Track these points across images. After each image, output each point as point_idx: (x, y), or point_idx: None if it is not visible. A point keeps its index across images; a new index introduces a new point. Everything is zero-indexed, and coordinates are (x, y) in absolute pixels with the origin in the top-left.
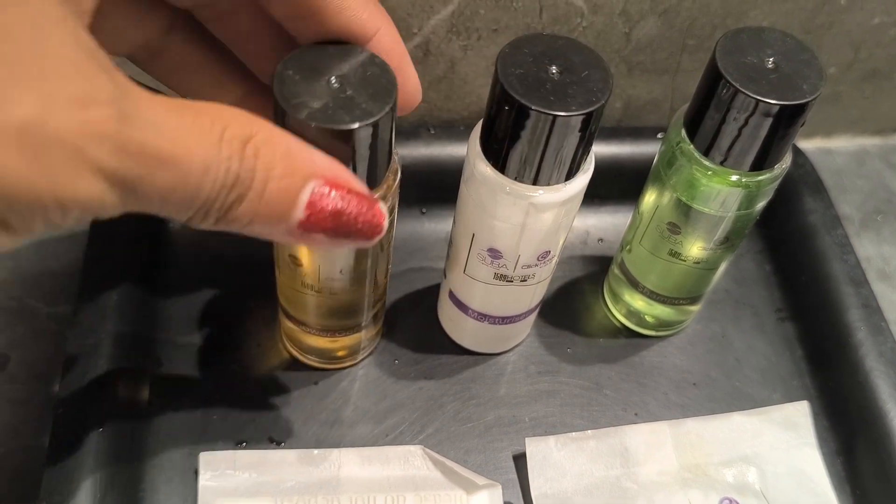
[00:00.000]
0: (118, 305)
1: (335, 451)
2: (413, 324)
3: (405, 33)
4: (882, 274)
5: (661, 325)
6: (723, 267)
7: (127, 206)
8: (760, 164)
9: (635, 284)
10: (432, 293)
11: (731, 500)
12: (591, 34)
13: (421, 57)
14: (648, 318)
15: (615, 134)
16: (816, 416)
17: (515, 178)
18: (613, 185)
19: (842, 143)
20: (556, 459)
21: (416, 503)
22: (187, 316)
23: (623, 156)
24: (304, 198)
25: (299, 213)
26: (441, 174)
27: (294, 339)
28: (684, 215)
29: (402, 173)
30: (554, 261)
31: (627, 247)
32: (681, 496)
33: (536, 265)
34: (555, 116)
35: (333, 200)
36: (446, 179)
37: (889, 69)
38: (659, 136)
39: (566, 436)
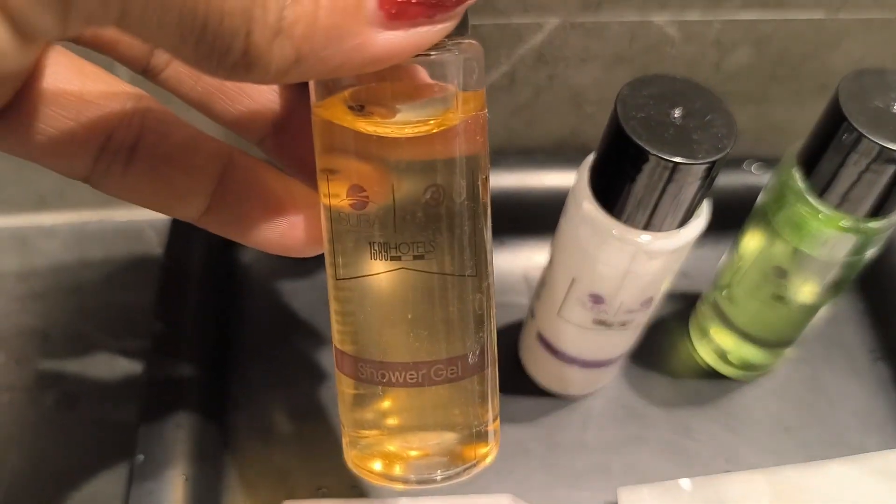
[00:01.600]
0: (193, 342)
1: (421, 501)
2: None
3: (491, 63)
4: None
5: (750, 367)
6: (822, 310)
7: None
8: (876, 211)
9: (728, 324)
10: (512, 332)
11: None
12: (681, 63)
13: (506, 85)
14: (736, 359)
15: None
16: None
17: (625, 222)
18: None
19: None
20: None
21: None
22: (263, 353)
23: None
24: None
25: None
26: (522, 203)
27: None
28: (792, 259)
29: None
30: (654, 305)
31: (724, 290)
32: None
33: (638, 310)
34: (676, 164)
35: None
36: (528, 209)
37: None
38: (747, 166)
39: (660, 485)
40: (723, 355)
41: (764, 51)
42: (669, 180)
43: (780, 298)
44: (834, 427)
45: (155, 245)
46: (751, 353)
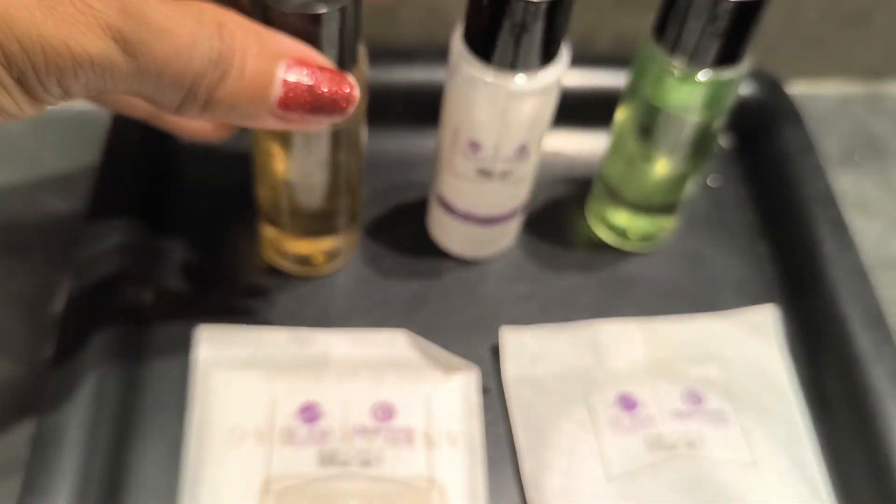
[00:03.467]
0: (127, 212)
1: (323, 332)
2: (400, 232)
3: None
4: (858, 206)
5: (639, 238)
6: (693, 181)
7: (130, 76)
8: (724, 60)
9: (613, 195)
10: (421, 207)
11: (694, 393)
12: None
13: None
14: (627, 232)
15: (604, 63)
16: (784, 323)
17: (496, 66)
18: (604, 113)
19: (826, 90)
20: (530, 348)
21: (397, 380)
22: (188, 229)
23: (609, 86)
24: (280, 74)
25: (277, 89)
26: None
27: (275, 246)
28: (653, 119)
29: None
30: (532, 159)
31: (607, 164)
32: (647, 386)
33: (516, 160)
34: (526, 2)
35: (306, 76)
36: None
37: (867, 13)
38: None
39: (540, 327)
40: (615, 229)
41: None
42: (525, 18)
43: (647, 159)
44: (712, 295)
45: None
46: (639, 224)
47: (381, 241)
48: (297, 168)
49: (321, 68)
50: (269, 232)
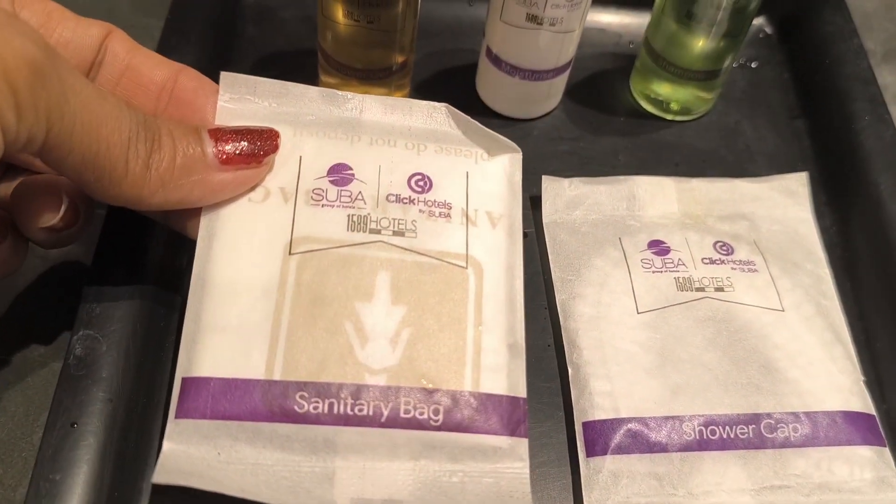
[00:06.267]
0: None
1: (359, 96)
2: (448, 91)
3: None
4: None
5: (680, 110)
6: (732, 54)
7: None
8: None
9: (657, 63)
10: (471, 70)
11: (724, 244)
12: None
13: None
14: (668, 103)
15: None
16: (816, 194)
17: None
18: None
19: None
20: (567, 194)
21: (436, 152)
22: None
23: None
24: (206, 135)
25: (210, 148)
26: None
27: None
28: None
29: None
30: (583, 8)
31: (651, 28)
32: (679, 235)
33: (566, 6)
34: None
35: (229, 133)
36: None
37: None
38: None
39: (579, 179)
40: (658, 100)
41: None
42: None
43: (692, 16)
44: (748, 165)
45: None
46: (680, 94)
47: (430, 99)
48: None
49: (235, 129)
50: (328, 80)
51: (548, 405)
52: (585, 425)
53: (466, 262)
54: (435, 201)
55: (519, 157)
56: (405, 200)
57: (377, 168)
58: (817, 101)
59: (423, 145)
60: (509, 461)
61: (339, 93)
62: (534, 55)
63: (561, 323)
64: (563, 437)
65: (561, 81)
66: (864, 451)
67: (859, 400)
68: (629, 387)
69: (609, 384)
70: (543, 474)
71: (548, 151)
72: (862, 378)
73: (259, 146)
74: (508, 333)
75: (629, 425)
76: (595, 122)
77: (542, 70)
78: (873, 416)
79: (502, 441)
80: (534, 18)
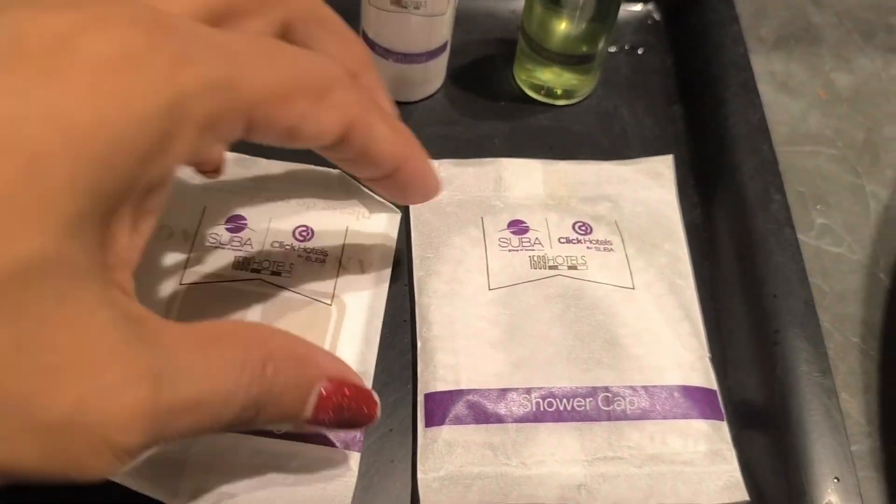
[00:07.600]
0: None
1: (265, 162)
2: None
3: None
4: (784, 86)
5: (562, 95)
6: (604, 42)
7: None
8: None
9: (531, 44)
10: None
11: (584, 224)
12: None
13: None
14: (548, 87)
15: None
16: (684, 176)
17: None
18: None
19: None
20: None
21: (322, 209)
22: None
23: None
24: (312, 400)
25: (307, 413)
26: None
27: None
28: None
29: None
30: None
31: (523, 15)
32: (539, 215)
33: None
34: None
35: (337, 398)
36: None
37: None
38: None
39: (449, 160)
40: (538, 85)
41: None
42: None
43: (556, 15)
44: (622, 148)
45: None
46: (559, 79)
47: None
48: None
49: (350, 390)
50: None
51: (398, 378)
52: (427, 396)
53: (332, 301)
54: (314, 248)
55: (397, 216)
56: (287, 247)
57: (268, 219)
58: (694, 86)
59: (313, 202)
60: (341, 469)
61: (250, 158)
62: (404, 39)
63: (416, 299)
64: (409, 409)
65: (437, 65)
66: (701, 425)
67: (701, 375)
68: (473, 360)
69: (454, 358)
70: (387, 444)
71: (424, 135)
72: (708, 355)
73: (356, 424)
74: (359, 363)
75: (468, 397)
76: (476, 106)
77: (413, 53)
78: (714, 391)
79: (337, 453)
80: (398, 2)
